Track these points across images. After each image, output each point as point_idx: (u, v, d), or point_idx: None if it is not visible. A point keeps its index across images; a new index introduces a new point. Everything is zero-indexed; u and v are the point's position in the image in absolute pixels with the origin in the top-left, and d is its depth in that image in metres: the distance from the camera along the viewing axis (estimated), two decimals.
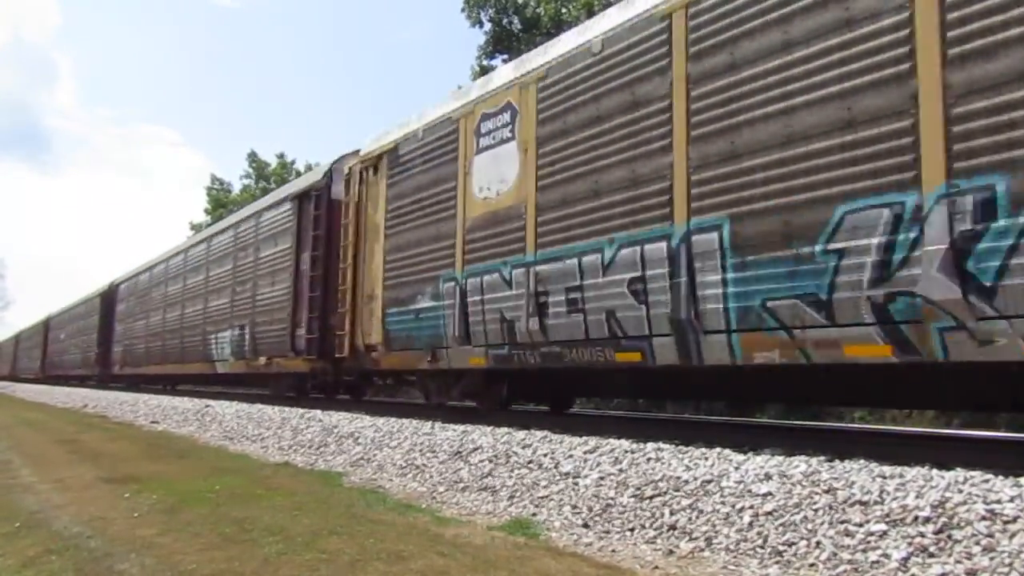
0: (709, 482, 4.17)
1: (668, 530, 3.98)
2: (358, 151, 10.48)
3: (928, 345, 4.24)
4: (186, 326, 16.94)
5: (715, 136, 5.40)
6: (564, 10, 18.89)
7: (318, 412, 9.88)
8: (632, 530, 4.11)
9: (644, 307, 5.80)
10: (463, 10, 20.28)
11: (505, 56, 19.55)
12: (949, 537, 3.11)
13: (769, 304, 4.95)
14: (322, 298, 10.86)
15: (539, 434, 6.12)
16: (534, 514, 4.64)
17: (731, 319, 5.18)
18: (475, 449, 6.00)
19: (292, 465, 7.21)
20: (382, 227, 9.36)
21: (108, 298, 25.02)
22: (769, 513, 3.73)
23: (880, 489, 3.52)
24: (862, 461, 4.07)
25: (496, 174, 7.48)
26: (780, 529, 3.60)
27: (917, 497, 3.38)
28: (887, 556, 3.16)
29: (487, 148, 7.67)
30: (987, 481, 3.40)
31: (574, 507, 4.56)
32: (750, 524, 3.72)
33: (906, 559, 3.10)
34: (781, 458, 4.33)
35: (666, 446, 5.04)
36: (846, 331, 4.57)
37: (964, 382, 5.05)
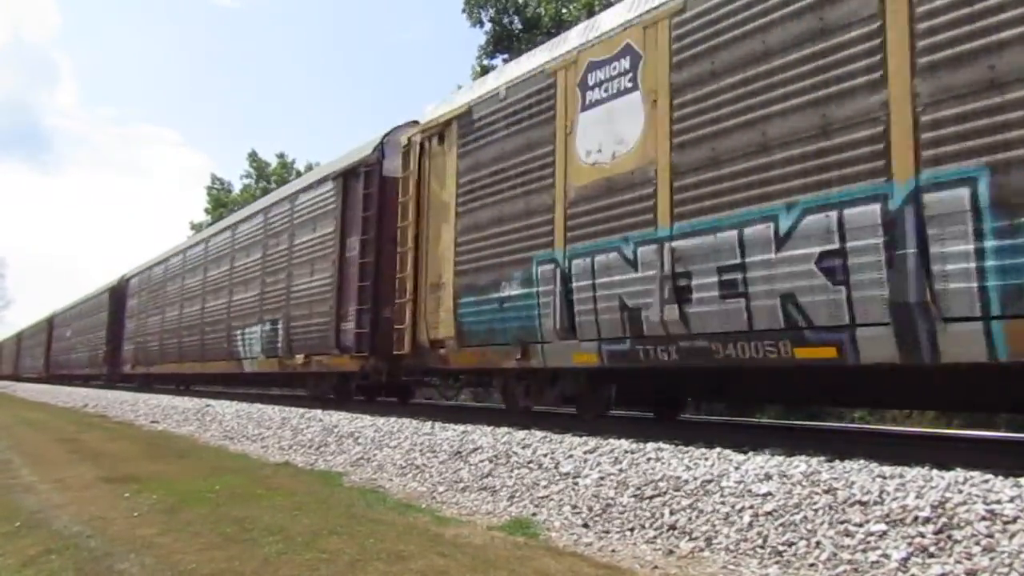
0: (709, 482, 4.17)
1: (668, 530, 3.98)
2: (415, 121, 9.54)
3: None
4: (207, 322, 15.82)
5: (962, 61, 4.16)
6: (565, 10, 18.89)
7: (318, 412, 9.88)
8: (632, 530, 4.11)
9: (843, 289, 4.62)
10: (464, 10, 20.30)
11: (505, 56, 19.54)
12: (949, 537, 3.11)
13: None
14: (373, 288, 9.72)
15: (539, 434, 6.13)
16: (534, 514, 4.64)
17: (990, 302, 4.00)
18: (475, 449, 6.00)
19: (292, 465, 7.21)
20: (452, 204, 8.20)
21: (118, 293, 24.00)
22: (769, 513, 3.72)
23: (880, 489, 3.52)
24: (862, 461, 4.07)
25: (610, 133, 6.29)
26: (780, 529, 3.60)
27: (917, 497, 3.38)
28: (887, 556, 3.16)
29: (596, 103, 6.49)
30: (987, 481, 3.40)
31: (574, 507, 4.56)
32: (750, 524, 3.72)
33: (906, 559, 3.10)
34: (781, 458, 4.33)
35: (666, 446, 5.04)
36: None
37: None
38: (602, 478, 4.70)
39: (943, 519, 3.20)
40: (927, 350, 4.28)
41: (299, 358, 11.51)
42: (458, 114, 8.30)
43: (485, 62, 20.65)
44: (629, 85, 6.20)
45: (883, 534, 3.27)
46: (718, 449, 4.75)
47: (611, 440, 5.43)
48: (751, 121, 5.24)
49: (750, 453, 4.58)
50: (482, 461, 5.72)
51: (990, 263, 4.01)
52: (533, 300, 6.93)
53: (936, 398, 6.14)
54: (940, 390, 5.47)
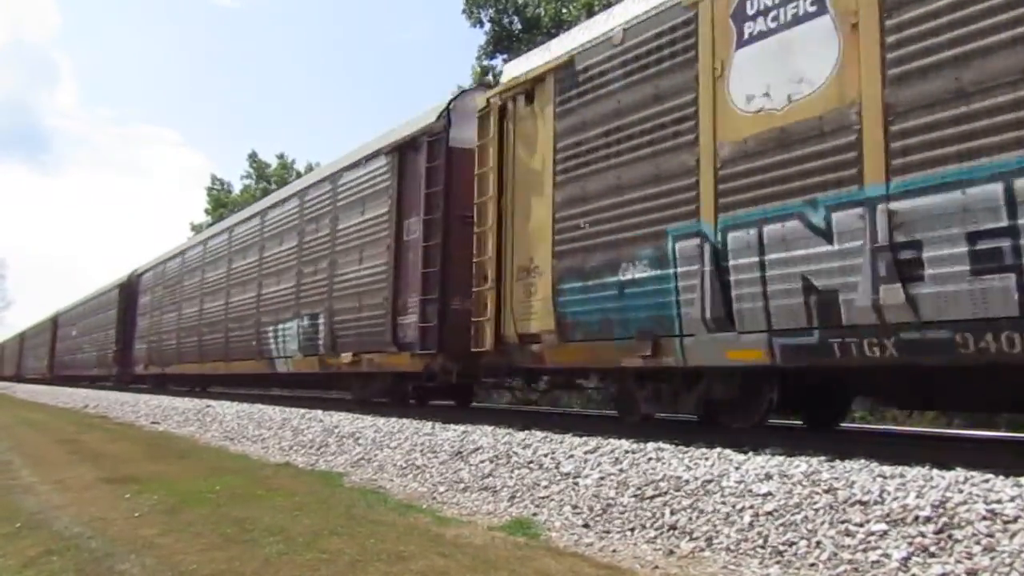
0: (709, 482, 4.17)
1: (668, 530, 3.98)
2: (487, 85, 8.64)
3: None
4: (232, 317, 14.52)
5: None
6: (564, 10, 18.91)
7: (319, 412, 9.88)
8: (633, 530, 4.11)
9: None
10: (464, 11, 20.32)
11: (505, 56, 19.56)
12: (949, 537, 3.11)
13: None
14: (441, 275, 8.57)
15: (540, 434, 6.13)
16: (535, 514, 4.64)
17: None
18: (476, 449, 6.00)
19: (293, 465, 7.21)
20: (547, 173, 7.03)
21: (128, 290, 22.81)
22: (769, 513, 3.72)
23: (880, 489, 3.52)
24: (862, 461, 4.07)
25: (783, 72, 5.12)
26: (780, 529, 3.60)
27: (917, 497, 3.38)
28: (887, 556, 3.16)
29: (760, 36, 5.29)
30: (987, 481, 3.40)
31: (575, 507, 4.56)
32: (750, 524, 3.72)
33: (906, 559, 3.10)
34: (781, 458, 4.33)
35: (666, 446, 5.04)
36: None
37: None
38: (603, 478, 4.70)
39: (944, 519, 3.20)
40: None
41: (346, 356, 10.25)
42: (555, 67, 7.04)
43: (485, 62, 20.70)
44: (812, 9, 4.99)
45: (884, 534, 3.27)
46: (718, 449, 4.75)
47: (612, 440, 5.43)
48: (1017, 38, 3.94)
49: (750, 453, 4.58)
50: (483, 461, 5.72)
51: None
52: (668, 284, 5.73)
53: None
54: None
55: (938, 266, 4.25)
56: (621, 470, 4.72)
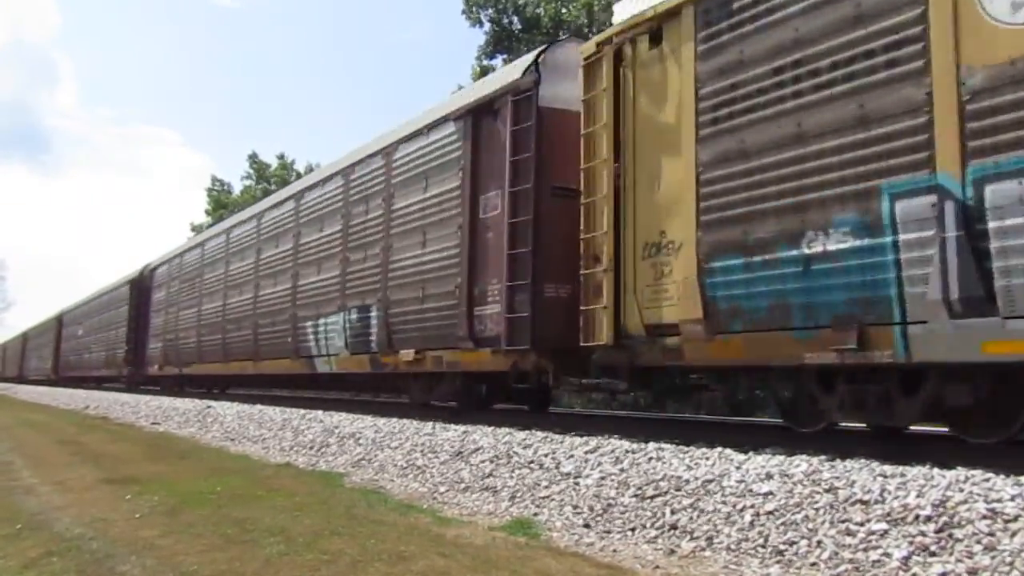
0: (710, 482, 4.17)
1: (669, 530, 3.98)
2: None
3: None
4: (261, 312, 13.19)
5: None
6: (564, 10, 18.93)
7: (319, 413, 9.88)
8: (633, 530, 4.11)
9: None
10: (463, 11, 20.34)
11: (505, 56, 19.58)
12: (950, 536, 3.11)
13: None
14: (532, 256, 7.29)
15: (540, 434, 6.13)
16: (535, 514, 4.64)
17: None
18: (476, 449, 6.00)
19: (293, 466, 7.21)
20: (688, 127, 5.78)
21: (140, 285, 21.49)
22: (770, 512, 3.73)
23: (881, 488, 3.52)
24: (863, 460, 4.07)
25: None
26: (781, 528, 3.60)
27: (918, 496, 3.38)
28: (888, 555, 3.16)
29: None
30: (988, 480, 3.41)
31: (575, 507, 4.56)
32: (751, 523, 3.72)
33: (907, 558, 3.10)
34: (782, 457, 4.33)
35: (667, 446, 5.04)
36: None
37: None
38: (603, 478, 4.70)
39: (944, 518, 3.20)
40: None
41: (406, 354, 8.86)
42: None
43: (485, 62, 20.71)
44: None
45: (884, 533, 3.27)
46: (719, 448, 4.75)
47: (612, 440, 5.44)
48: None
49: (751, 452, 4.58)
50: (483, 461, 5.72)
51: None
52: (884, 256, 4.51)
53: None
54: None
55: None
56: (622, 470, 4.72)
